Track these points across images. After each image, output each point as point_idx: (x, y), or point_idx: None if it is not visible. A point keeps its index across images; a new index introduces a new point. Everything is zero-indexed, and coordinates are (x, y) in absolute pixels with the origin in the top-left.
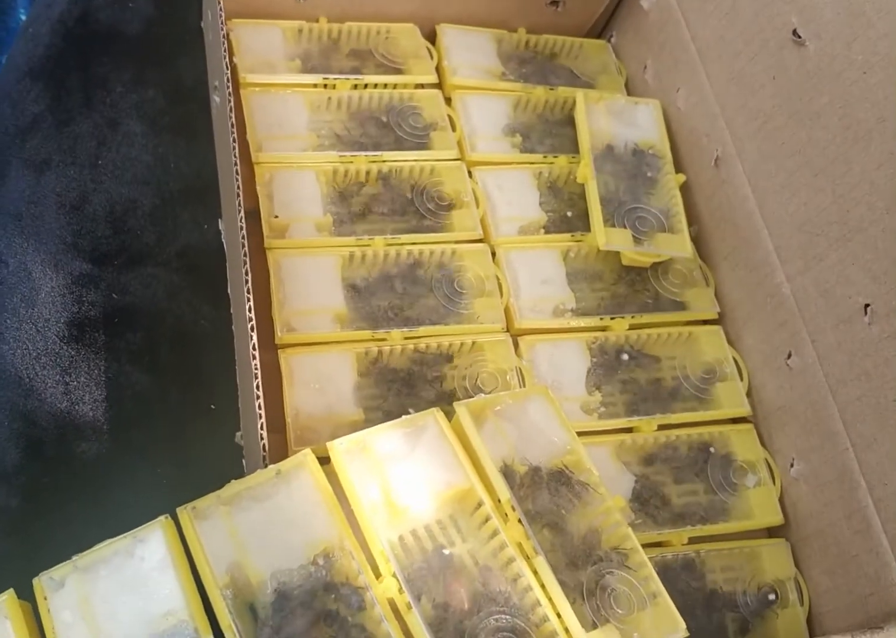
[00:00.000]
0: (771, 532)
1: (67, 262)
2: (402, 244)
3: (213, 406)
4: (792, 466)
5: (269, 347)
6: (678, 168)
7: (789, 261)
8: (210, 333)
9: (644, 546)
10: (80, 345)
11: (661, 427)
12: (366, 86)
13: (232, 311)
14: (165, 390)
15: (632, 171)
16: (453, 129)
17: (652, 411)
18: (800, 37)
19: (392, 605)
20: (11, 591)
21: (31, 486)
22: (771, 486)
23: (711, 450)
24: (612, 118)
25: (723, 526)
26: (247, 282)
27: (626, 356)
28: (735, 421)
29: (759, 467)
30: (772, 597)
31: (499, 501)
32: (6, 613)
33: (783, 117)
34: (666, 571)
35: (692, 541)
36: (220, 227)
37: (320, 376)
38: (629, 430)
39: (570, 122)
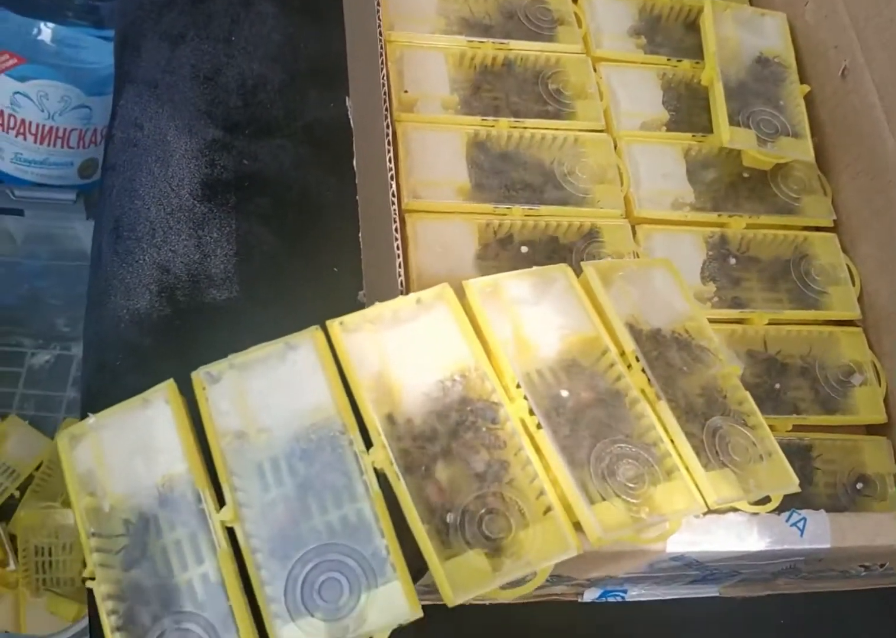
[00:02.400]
0: (871, 432)
1: (200, 128)
2: (525, 128)
3: (336, 269)
4: None
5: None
6: (802, 80)
7: None
8: (334, 202)
9: None
10: (212, 204)
11: (772, 322)
12: None
13: (357, 182)
14: (291, 251)
15: (756, 77)
16: (579, 25)
17: (764, 307)
18: None
19: (522, 424)
20: (172, 380)
21: (163, 328)
22: (876, 386)
23: (819, 349)
24: (739, 26)
25: (826, 418)
26: (388, 144)
27: (732, 260)
28: (843, 324)
29: (865, 368)
30: (860, 485)
31: (622, 352)
32: (167, 398)
33: None
34: None
35: (795, 428)
36: (348, 104)
37: (444, 242)
38: (741, 322)
39: (695, 30)
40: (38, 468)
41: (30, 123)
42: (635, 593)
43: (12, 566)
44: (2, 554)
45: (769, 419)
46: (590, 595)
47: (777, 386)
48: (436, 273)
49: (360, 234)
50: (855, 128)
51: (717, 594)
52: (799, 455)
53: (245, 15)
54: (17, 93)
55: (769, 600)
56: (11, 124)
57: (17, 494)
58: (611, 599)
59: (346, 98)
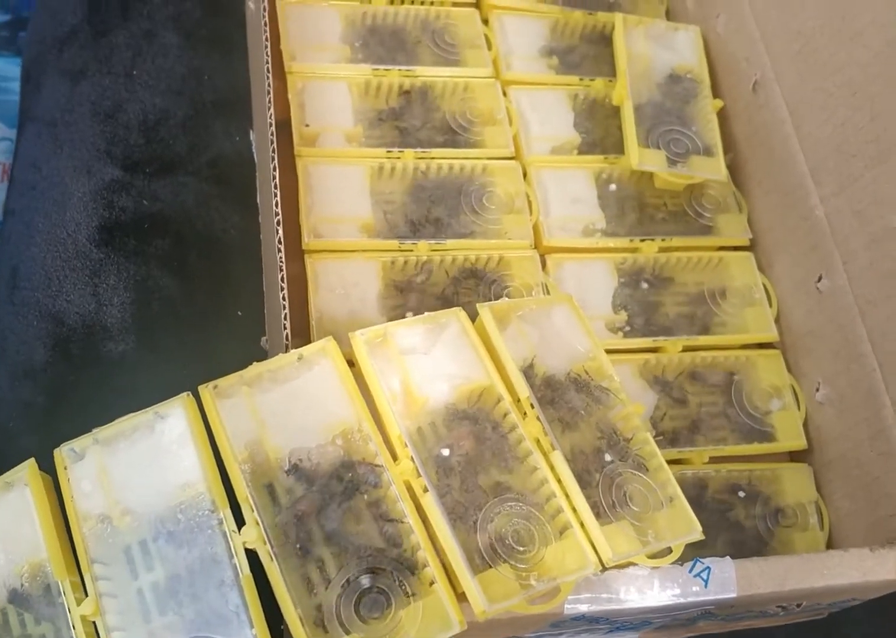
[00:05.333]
0: (793, 457)
1: (99, 168)
2: (432, 158)
3: (239, 312)
4: (817, 390)
5: (296, 253)
6: (716, 94)
7: (824, 183)
8: (238, 241)
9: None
10: (109, 249)
11: (687, 349)
12: (402, 1)
13: (260, 219)
14: (193, 295)
15: (668, 95)
16: (489, 48)
17: (678, 333)
18: None
19: (407, 486)
20: (32, 460)
21: (58, 383)
22: (795, 411)
23: (736, 375)
24: (651, 42)
25: (745, 448)
26: (275, 187)
27: (645, 285)
28: (761, 346)
29: (784, 392)
30: (780, 517)
31: (518, 399)
32: (26, 481)
33: (824, 38)
34: (684, 489)
35: (713, 460)
36: (252, 138)
37: (345, 283)
38: (654, 350)
39: (608, 46)
40: None
41: None
42: None
43: None
44: None
45: (685, 452)
46: None
47: (693, 417)
48: (337, 315)
49: (263, 276)
50: (766, 143)
51: None
52: (717, 488)
53: (148, 47)
54: None
55: None
56: None
57: None
58: None
59: (251, 131)
